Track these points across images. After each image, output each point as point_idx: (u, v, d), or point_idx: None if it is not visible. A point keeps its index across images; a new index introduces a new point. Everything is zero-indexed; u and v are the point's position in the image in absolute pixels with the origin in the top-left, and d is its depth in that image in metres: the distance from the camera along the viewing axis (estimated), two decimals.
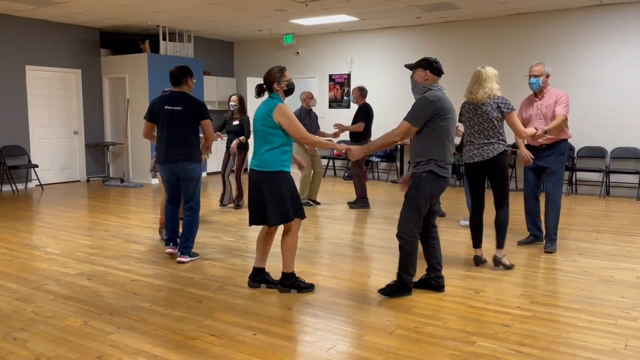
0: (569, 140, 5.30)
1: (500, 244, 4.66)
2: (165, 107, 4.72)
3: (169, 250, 5.02)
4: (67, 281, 4.33)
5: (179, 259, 4.86)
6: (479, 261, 4.74)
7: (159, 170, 4.90)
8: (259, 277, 4.15)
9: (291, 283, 4.04)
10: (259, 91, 3.95)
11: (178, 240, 4.99)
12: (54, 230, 6.26)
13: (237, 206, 7.49)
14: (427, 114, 3.72)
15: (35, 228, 6.38)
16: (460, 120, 4.87)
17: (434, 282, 4.04)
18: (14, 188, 9.50)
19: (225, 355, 2.98)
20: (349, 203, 7.72)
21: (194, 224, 4.88)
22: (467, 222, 5.99)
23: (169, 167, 4.76)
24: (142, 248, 5.38)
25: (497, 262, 4.66)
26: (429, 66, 3.84)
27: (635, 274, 4.49)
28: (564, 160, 5.22)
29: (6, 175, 9.40)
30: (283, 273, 4.05)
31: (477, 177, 4.66)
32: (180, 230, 5.03)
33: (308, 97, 7.68)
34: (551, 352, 3.01)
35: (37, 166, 9.73)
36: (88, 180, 10.84)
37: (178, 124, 4.70)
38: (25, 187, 9.81)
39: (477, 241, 4.74)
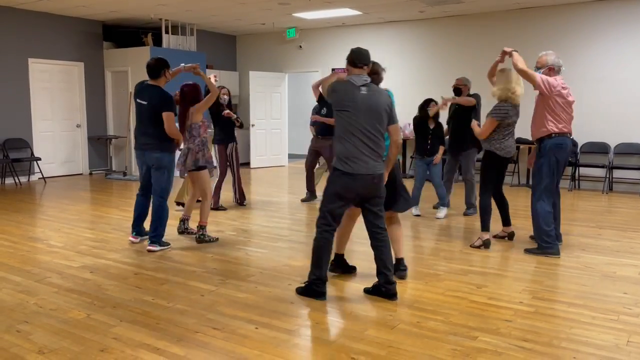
0: (572, 136, 5.20)
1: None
2: (137, 100, 4.94)
3: (131, 238, 5.32)
4: (70, 274, 4.35)
5: (148, 247, 5.02)
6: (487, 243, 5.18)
7: (136, 157, 5.07)
8: (339, 262, 4.36)
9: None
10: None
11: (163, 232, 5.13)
12: (57, 223, 6.27)
13: (242, 204, 7.29)
14: (329, 99, 3.72)
15: (38, 221, 6.40)
16: (507, 122, 4.94)
17: (383, 290, 3.77)
18: (17, 181, 9.52)
19: (228, 349, 2.99)
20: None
21: (161, 213, 4.99)
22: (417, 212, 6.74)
23: (141, 155, 4.99)
24: (145, 241, 5.38)
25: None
26: (347, 57, 3.66)
27: (638, 270, 4.49)
28: (544, 162, 4.84)
29: (9, 168, 9.42)
30: (397, 259, 4.23)
31: (504, 170, 5.25)
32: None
33: None
34: (553, 348, 3.01)
35: (39, 159, 9.75)
36: (90, 174, 10.86)
37: (145, 117, 4.88)
38: (28, 180, 9.83)
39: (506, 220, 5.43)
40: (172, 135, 4.89)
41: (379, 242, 3.76)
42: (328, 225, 3.69)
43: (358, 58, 3.60)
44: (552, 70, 4.90)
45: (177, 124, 5.10)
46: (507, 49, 4.95)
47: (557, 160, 4.84)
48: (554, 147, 4.82)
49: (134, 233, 5.33)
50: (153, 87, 4.90)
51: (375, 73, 3.96)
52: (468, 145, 6.56)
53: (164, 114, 4.80)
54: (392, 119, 3.69)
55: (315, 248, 3.72)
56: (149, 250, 5.00)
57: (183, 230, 5.66)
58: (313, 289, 3.77)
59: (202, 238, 5.30)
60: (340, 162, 3.60)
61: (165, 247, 5.10)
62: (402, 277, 4.23)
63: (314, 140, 7.45)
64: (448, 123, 6.77)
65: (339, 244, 4.29)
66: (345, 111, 3.57)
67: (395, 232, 4.21)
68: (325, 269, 3.74)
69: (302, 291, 3.85)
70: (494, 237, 5.53)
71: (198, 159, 5.20)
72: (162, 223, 5.02)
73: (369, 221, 3.76)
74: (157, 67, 4.87)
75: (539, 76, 4.75)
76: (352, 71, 3.64)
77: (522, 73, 4.76)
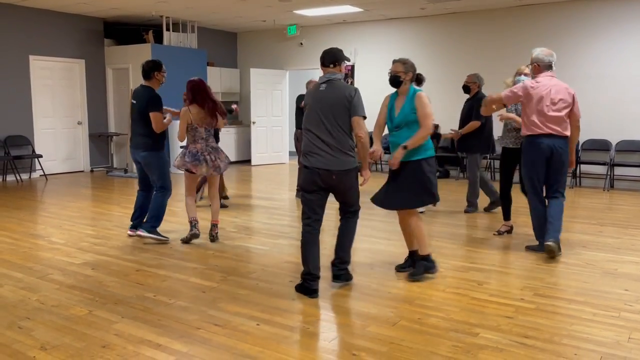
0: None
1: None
2: (131, 100, 5.20)
3: (129, 232, 5.50)
4: (72, 271, 4.36)
5: (138, 232, 5.29)
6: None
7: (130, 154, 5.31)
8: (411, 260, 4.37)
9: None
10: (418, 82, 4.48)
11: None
12: (58, 220, 6.28)
13: (223, 205, 6.97)
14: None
15: (39, 218, 6.40)
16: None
17: (334, 270, 3.93)
18: (18, 178, 9.53)
19: (229, 345, 3.00)
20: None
21: (155, 205, 5.19)
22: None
23: (131, 153, 5.24)
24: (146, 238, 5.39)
25: None
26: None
27: (639, 267, 4.49)
28: (521, 163, 4.83)
29: (10, 165, 9.43)
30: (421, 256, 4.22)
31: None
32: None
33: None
34: (554, 344, 3.02)
35: (41, 156, 9.76)
36: (92, 171, 10.87)
37: (135, 116, 5.12)
38: (30, 177, 9.83)
39: (507, 215, 5.60)
40: (160, 130, 5.08)
41: (341, 221, 3.92)
42: (307, 217, 3.76)
43: (325, 58, 3.78)
44: (537, 67, 4.70)
45: (185, 122, 5.13)
46: (501, 117, 5.31)
47: (531, 160, 4.69)
48: (525, 147, 4.76)
49: (131, 226, 5.49)
50: (144, 88, 5.12)
51: (412, 74, 4.11)
52: (475, 147, 6.58)
53: (151, 114, 5.00)
54: (353, 111, 3.64)
55: (301, 244, 3.80)
56: (139, 235, 5.24)
57: (195, 233, 5.22)
58: (304, 286, 3.79)
59: (217, 236, 5.31)
60: (302, 155, 3.78)
61: (159, 237, 5.19)
62: (432, 272, 4.21)
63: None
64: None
65: (409, 242, 4.31)
66: (306, 109, 3.76)
67: (414, 228, 4.14)
68: (312, 263, 3.73)
69: (298, 288, 3.88)
70: (497, 233, 5.58)
71: (227, 158, 5.43)
72: (155, 215, 5.19)
73: (340, 208, 3.92)
74: (147, 69, 5.11)
75: (503, 94, 4.73)
76: (324, 71, 3.80)
77: (492, 103, 4.81)
